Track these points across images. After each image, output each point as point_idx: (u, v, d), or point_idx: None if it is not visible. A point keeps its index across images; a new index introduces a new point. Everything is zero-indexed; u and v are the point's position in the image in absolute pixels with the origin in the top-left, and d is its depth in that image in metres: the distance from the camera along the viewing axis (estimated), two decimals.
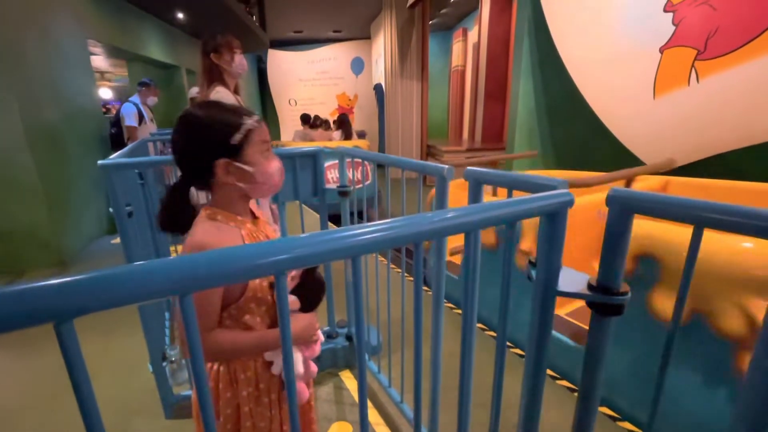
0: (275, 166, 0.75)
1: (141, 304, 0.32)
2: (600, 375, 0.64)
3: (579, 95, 3.18)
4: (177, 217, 0.73)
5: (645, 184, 2.28)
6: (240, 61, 1.83)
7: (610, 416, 1.44)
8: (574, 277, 0.63)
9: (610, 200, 0.58)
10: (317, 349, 0.83)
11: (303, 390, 0.80)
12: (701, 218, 0.52)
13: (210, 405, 0.40)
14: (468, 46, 9.75)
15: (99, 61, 6.91)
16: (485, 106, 8.13)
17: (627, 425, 1.40)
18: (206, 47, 1.76)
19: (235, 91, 1.95)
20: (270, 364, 0.77)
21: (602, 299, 0.59)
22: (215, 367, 0.76)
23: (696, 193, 2.20)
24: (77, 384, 0.30)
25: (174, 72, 6.48)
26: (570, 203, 0.57)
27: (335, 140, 5.58)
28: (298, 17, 8.98)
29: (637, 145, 2.89)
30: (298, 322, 0.76)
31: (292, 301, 0.75)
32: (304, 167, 1.50)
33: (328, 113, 12.04)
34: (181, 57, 6.63)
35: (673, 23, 2.49)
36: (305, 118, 6.14)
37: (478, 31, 8.31)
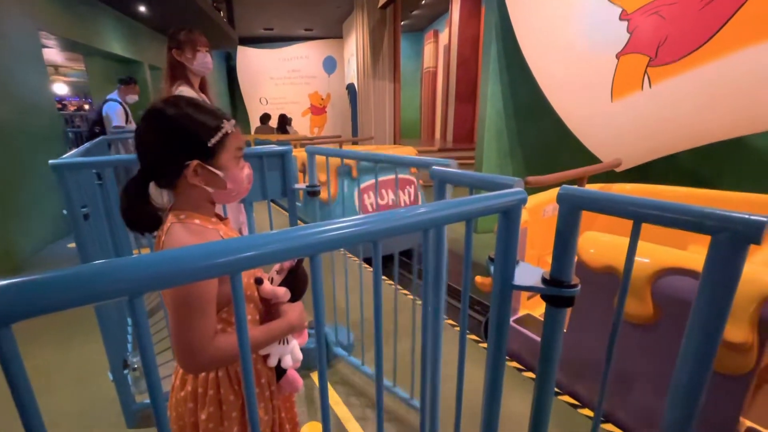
0: (246, 173, 0.73)
1: (86, 306, 0.31)
2: (555, 360, 0.68)
3: (544, 98, 3.31)
4: (137, 216, 0.69)
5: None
6: (203, 60, 1.78)
7: (571, 404, 1.51)
8: (530, 272, 0.66)
9: (561, 198, 0.61)
10: (306, 335, 0.84)
11: (297, 378, 0.81)
12: (640, 214, 0.56)
13: (165, 415, 0.39)
14: (439, 48, 9.90)
15: (53, 54, 6.52)
16: (456, 107, 8.30)
17: (587, 411, 1.48)
18: (170, 42, 1.71)
19: (202, 89, 1.90)
20: (266, 357, 0.77)
21: (555, 292, 0.62)
22: (212, 373, 0.73)
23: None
24: (18, 394, 0.29)
25: (136, 67, 6.21)
26: (523, 201, 0.60)
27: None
28: (269, 14, 8.82)
29: (597, 147, 3.04)
30: (294, 311, 0.76)
31: (283, 292, 0.76)
32: (272, 167, 1.49)
33: (301, 112, 11.92)
34: (144, 52, 6.36)
35: (628, 31, 2.63)
36: (263, 118, 6.78)
37: (448, 34, 8.46)
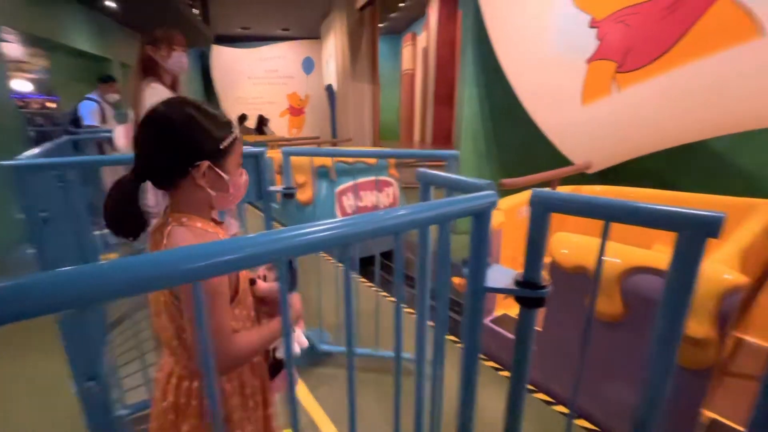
0: (243, 179, 0.74)
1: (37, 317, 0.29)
2: (528, 358, 0.69)
3: (518, 101, 3.38)
4: (124, 218, 0.65)
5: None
6: (178, 59, 1.74)
7: (546, 401, 1.55)
8: (503, 273, 0.67)
9: (532, 201, 0.62)
10: (302, 323, 0.86)
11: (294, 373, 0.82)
12: (608, 214, 0.58)
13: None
14: (417, 51, 9.99)
15: (13, 49, 6.17)
16: (435, 109, 8.39)
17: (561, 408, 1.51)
18: (145, 38, 1.67)
19: (173, 88, 1.85)
20: (252, 366, 0.78)
21: (527, 293, 0.63)
22: (194, 383, 0.71)
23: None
24: None
25: (105, 65, 5.96)
26: (493, 204, 0.60)
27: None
28: (246, 14, 8.67)
29: (569, 149, 3.13)
30: (295, 302, 0.78)
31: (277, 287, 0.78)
32: (247, 169, 1.45)
33: (279, 113, 11.75)
34: (114, 49, 6.12)
35: (597, 38, 2.73)
36: (240, 118, 6.65)
37: (426, 37, 8.55)
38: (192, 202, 0.68)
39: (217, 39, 10.08)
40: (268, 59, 11.24)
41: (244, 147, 0.87)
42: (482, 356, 1.86)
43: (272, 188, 1.51)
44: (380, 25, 10.37)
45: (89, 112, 3.53)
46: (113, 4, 5.37)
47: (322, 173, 3.39)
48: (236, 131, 0.69)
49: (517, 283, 0.63)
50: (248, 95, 11.25)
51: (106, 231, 0.67)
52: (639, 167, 3.38)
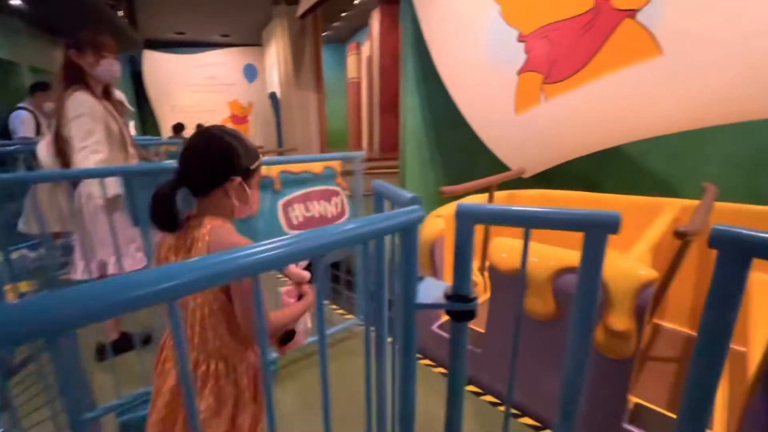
0: (257, 197, 0.91)
1: None
2: (464, 373, 0.69)
3: (458, 110, 3.52)
4: (167, 215, 0.79)
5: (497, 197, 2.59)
6: (108, 67, 1.59)
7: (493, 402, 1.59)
8: (434, 287, 0.67)
9: (458, 214, 0.63)
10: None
11: (301, 338, 0.93)
12: (527, 221, 0.61)
13: None
14: (362, 59, 10.07)
15: None
16: (381, 117, 8.48)
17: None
18: (68, 41, 1.50)
19: (105, 96, 1.69)
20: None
21: (457, 307, 0.63)
22: (212, 366, 0.82)
23: (542, 201, 2.57)
24: None
25: (11, 69, 5.32)
26: (420, 219, 0.60)
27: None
28: (179, 18, 8.20)
29: (506, 156, 3.30)
30: (312, 292, 0.91)
31: (307, 275, 0.91)
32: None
33: (220, 121, 11.23)
34: (22, 52, 5.48)
35: (525, 51, 2.92)
36: (176, 128, 6.23)
37: (370, 46, 8.65)
38: (219, 209, 0.83)
39: (149, 44, 9.44)
40: (206, 66, 10.73)
41: (164, 162, 1.04)
42: (432, 363, 1.88)
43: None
44: (324, 33, 10.34)
45: (21, 123, 3.13)
46: (20, 3, 4.82)
47: (264, 184, 3.26)
48: (261, 158, 0.88)
49: (447, 297, 0.63)
50: (185, 103, 10.65)
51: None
52: (569, 171, 3.66)
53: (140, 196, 1.29)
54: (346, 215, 3.89)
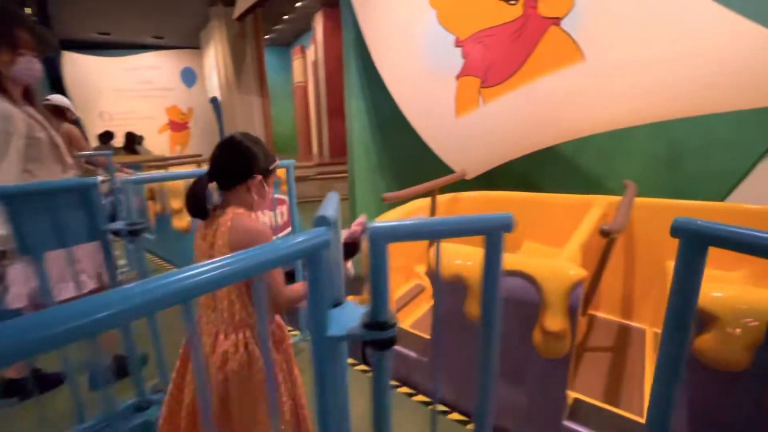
0: (271, 194, 1.07)
1: None
2: (389, 407, 0.64)
3: (402, 114, 3.53)
4: (199, 205, 0.96)
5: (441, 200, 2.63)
6: (27, 65, 1.38)
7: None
8: (351, 314, 0.61)
9: (371, 237, 0.58)
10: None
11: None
12: (434, 233, 0.62)
13: None
14: (307, 63, 9.90)
15: None
16: (329, 122, 8.36)
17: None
18: None
19: (27, 99, 1.45)
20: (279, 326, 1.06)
21: (375, 336, 0.58)
22: (240, 335, 0.95)
23: (483, 203, 2.64)
24: None
25: None
26: (326, 243, 0.54)
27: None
28: (101, 18, 7.55)
29: (450, 159, 3.36)
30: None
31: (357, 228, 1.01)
32: (73, 205, 1.19)
33: (157, 129, 10.51)
34: None
35: (462, 56, 2.99)
36: (103, 136, 5.59)
37: (314, 50, 8.52)
38: (241, 201, 0.98)
39: (67, 44, 8.60)
40: (139, 69, 9.99)
41: (64, 180, 1.08)
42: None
43: (111, 225, 1.26)
44: (266, 36, 10.04)
45: None
46: None
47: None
48: (277, 161, 1.05)
49: (365, 324, 0.58)
50: (117, 110, 9.82)
51: None
52: (510, 171, 3.80)
53: (32, 221, 1.12)
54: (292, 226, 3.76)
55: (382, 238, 0.57)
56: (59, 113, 3.18)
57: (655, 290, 2.01)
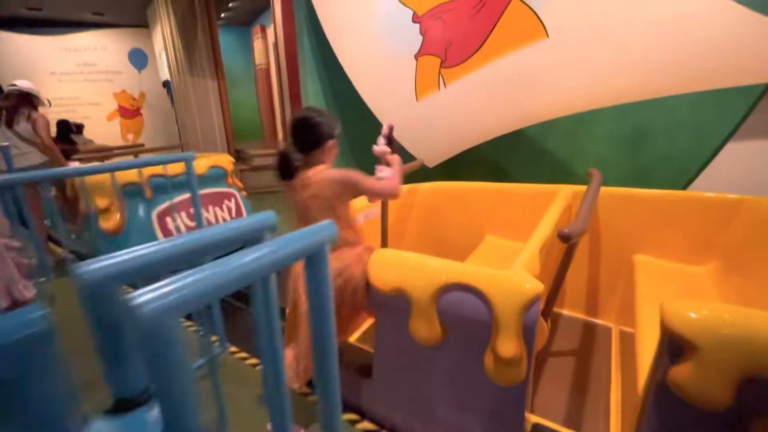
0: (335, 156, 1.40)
1: None
2: None
3: (359, 97, 3.25)
4: (289, 167, 1.29)
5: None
6: None
7: None
8: None
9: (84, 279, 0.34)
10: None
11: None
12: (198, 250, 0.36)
13: None
14: (268, 44, 9.32)
15: None
16: (291, 106, 7.92)
17: None
18: None
19: None
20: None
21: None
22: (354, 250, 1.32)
23: (442, 194, 2.44)
24: None
25: None
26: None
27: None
28: None
29: (411, 145, 3.13)
30: (394, 157, 1.60)
31: (386, 149, 1.60)
32: None
33: (106, 116, 9.71)
34: None
35: (421, 33, 2.73)
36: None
37: (274, 30, 7.99)
38: (318, 162, 1.31)
39: None
40: (80, 50, 9.12)
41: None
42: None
43: None
44: (222, 15, 9.36)
45: None
46: None
47: (131, 192, 2.70)
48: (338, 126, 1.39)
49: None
50: (56, 95, 8.95)
51: None
52: (477, 157, 3.63)
53: None
54: None
55: (103, 285, 0.33)
56: (27, 101, 3.19)
57: (621, 284, 1.88)
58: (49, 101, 3.95)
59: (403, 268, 1.18)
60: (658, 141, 2.61)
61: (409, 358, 1.23)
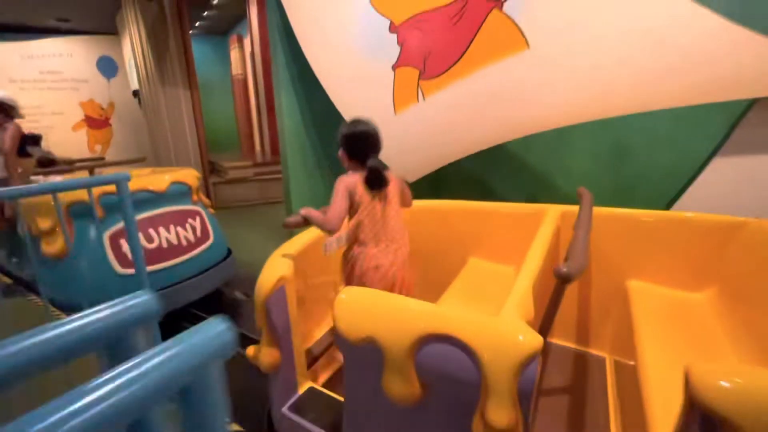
0: None
1: None
2: None
3: (336, 110, 3.09)
4: (382, 180, 1.53)
5: None
6: None
7: None
8: None
9: None
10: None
11: None
12: None
13: None
14: (246, 54, 9.11)
15: None
16: (269, 117, 7.72)
17: None
18: None
19: None
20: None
21: None
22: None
23: (423, 213, 2.28)
24: None
25: None
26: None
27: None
28: None
29: (390, 159, 2.96)
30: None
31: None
32: None
33: (72, 125, 9.23)
34: None
35: (398, 43, 2.60)
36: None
37: (251, 39, 7.81)
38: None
39: None
40: (43, 57, 8.68)
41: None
42: None
43: None
44: (197, 23, 9.14)
45: None
46: None
47: (79, 212, 2.42)
48: None
49: None
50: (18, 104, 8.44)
51: None
52: (459, 172, 3.50)
53: None
54: (210, 240, 3.19)
55: None
56: (3, 110, 3.08)
57: (615, 312, 1.75)
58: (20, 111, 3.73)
59: (374, 312, 1.00)
60: (639, 157, 2.54)
61: (383, 418, 1.04)
